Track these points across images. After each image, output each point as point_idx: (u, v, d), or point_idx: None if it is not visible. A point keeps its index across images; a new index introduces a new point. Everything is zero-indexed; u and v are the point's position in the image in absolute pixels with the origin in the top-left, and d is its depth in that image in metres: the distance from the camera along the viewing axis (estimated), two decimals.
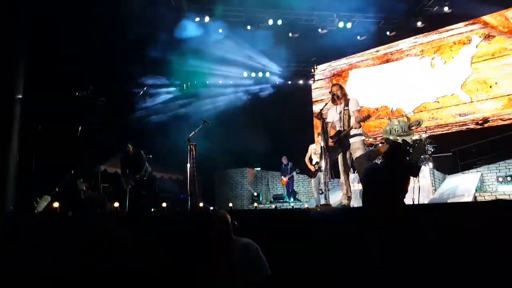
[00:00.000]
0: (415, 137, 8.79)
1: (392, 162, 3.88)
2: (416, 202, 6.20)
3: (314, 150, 8.03)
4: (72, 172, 9.66)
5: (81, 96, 7.32)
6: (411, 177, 4.24)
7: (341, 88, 5.78)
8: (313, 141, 8.59)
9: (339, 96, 5.64)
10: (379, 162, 5.22)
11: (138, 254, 3.63)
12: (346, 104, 5.61)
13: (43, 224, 4.05)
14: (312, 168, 7.94)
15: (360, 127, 5.36)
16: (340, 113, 5.67)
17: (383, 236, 2.98)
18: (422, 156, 8.30)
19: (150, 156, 9.63)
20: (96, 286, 3.56)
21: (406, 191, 3.78)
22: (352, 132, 5.42)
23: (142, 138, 11.74)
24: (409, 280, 2.83)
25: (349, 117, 5.58)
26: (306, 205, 6.59)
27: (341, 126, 5.64)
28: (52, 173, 11.12)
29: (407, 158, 4.11)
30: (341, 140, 5.52)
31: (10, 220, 4.38)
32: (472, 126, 11.01)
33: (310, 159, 8.10)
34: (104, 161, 11.72)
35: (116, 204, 4.91)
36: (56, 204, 4.33)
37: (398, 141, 7.26)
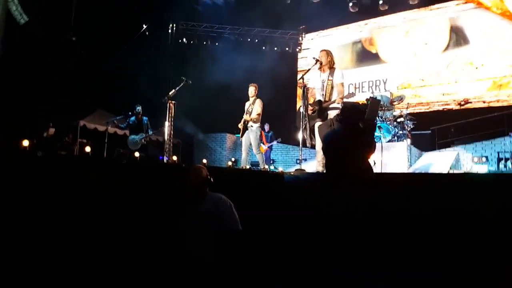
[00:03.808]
0: (396, 112, 8.89)
1: (346, 124, 3.72)
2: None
3: (247, 107, 7.13)
4: (51, 125, 9.47)
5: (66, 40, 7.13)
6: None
7: (328, 54, 5.69)
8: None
9: (323, 63, 5.59)
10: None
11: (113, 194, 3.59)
12: (331, 74, 5.56)
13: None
14: (240, 127, 7.12)
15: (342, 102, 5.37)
16: (323, 81, 5.64)
17: (344, 198, 3.03)
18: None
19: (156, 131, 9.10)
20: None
21: (368, 151, 3.65)
22: (332, 104, 5.45)
23: (126, 96, 11.47)
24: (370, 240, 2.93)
25: (332, 88, 5.55)
26: (280, 169, 6.63)
27: (322, 95, 5.62)
28: (31, 127, 10.85)
29: (364, 117, 3.81)
30: (321, 110, 5.53)
31: None
32: (452, 106, 11.14)
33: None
34: (83, 116, 11.43)
35: (88, 149, 4.87)
36: (25, 143, 4.18)
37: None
